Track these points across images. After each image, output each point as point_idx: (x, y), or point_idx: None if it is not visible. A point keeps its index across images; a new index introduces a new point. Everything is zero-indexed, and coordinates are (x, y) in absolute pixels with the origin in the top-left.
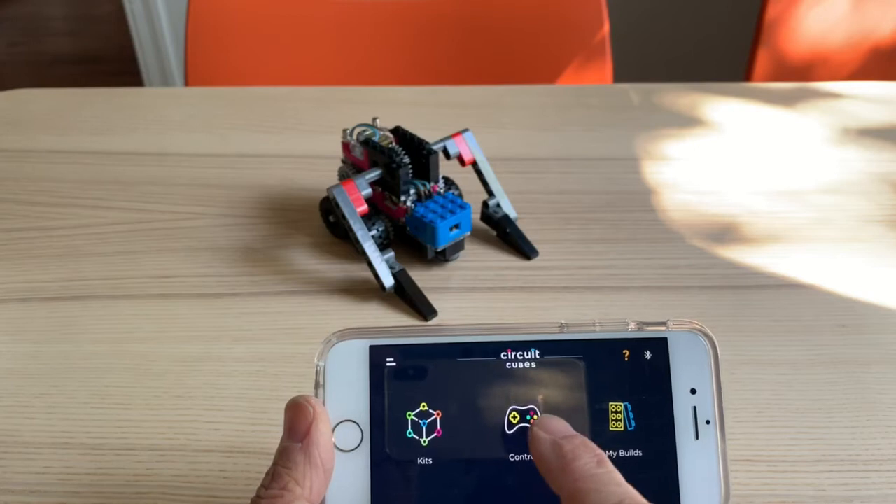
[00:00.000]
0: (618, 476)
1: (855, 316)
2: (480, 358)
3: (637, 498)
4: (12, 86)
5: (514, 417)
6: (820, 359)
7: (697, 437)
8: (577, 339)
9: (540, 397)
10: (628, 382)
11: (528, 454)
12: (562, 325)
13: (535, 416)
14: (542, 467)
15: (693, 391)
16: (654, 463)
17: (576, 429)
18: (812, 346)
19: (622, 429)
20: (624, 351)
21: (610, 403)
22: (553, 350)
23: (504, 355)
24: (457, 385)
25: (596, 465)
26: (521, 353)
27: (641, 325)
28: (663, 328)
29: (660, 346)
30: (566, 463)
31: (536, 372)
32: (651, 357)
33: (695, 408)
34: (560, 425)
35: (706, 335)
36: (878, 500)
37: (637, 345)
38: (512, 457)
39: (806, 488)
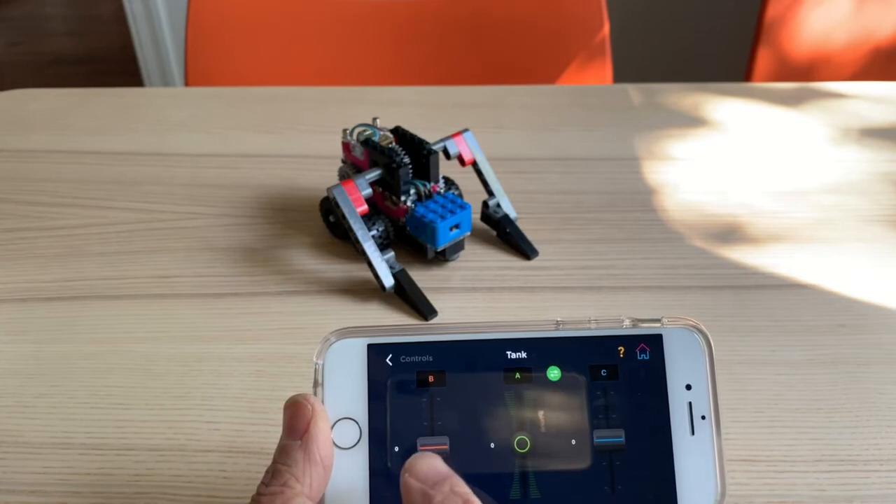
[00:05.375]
0: None
1: (855, 316)
2: (477, 355)
3: None
4: (12, 86)
5: (513, 414)
6: (819, 359)
7: (693, 433)
8: (573, 336)
9: (537, 394)
10: (624, 379)
11: (526, 448)
12: (558, 323)
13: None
14: None
15: (688, 387)
16: (650, 459)
17: (573, 426)
18: (812, 345)
19: (618, 425)
20: (619, 347)
21: (606, 400)
22: (549, 347)
23: (501, 353)
24: (454, 382)
25: None
26: (517, 350)
27: (636, 321)
28: (658, 325)
29: (655, 342)
30: None
31: (533, 369)
32: (646, 353)
33: (690, 403)
34: (430, 469)
35: (700, 331)
36: (878, 500)
37: (632, 341)
38: (510, 450)
39: (806, 488)
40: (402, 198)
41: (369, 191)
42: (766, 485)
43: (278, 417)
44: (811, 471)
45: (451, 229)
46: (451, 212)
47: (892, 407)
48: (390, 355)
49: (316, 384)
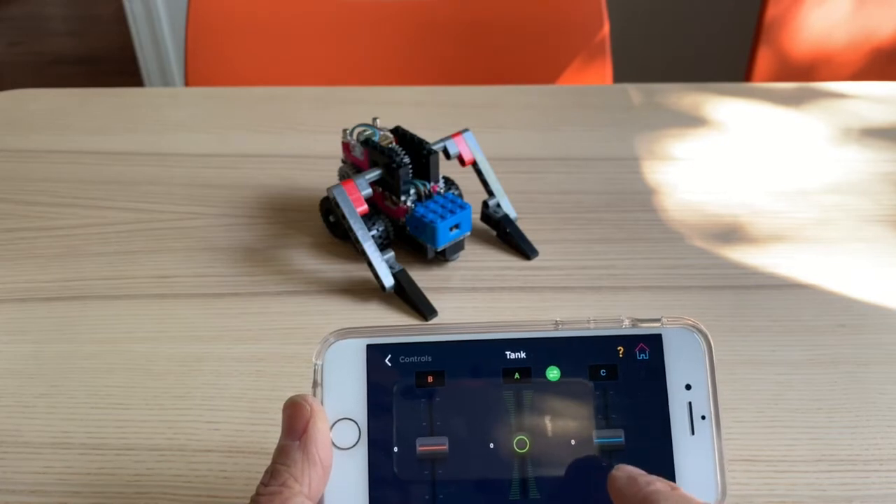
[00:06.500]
0: (695, 500)
1: (855, 316)
2: (477, 356)
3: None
4: (12, 86)
5: (512, 414)
6: (820, 359)
7: (693, 433)
8: (573, 336)
9: (536, 394)
10: (623, 379)
11: (525, 448)
12: (557, 323)
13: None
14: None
15: (688, 387)
16: (650, 459)
17: (573, 426)
18: (812, 345)
19: (618, 425)
20: (618, 347)
21: (606, 399)
22: (549, 347)
23: (500, 353)
24: (454, 383)
25: (671, 489)
26: (517, 350)
27: (636, 321)
28: (657, 325)
29: (654, 342)
30: (639, 488)
31: (532, 369)
32: (646, 353)
33: (690, 403)
34: (636, 470)
35: (700, 331)
36: (878, 500)
37: (631, 341)
38: (509, 450)
39: (806, 488)
40: (402, 198)
41: (369, 191)
42: (766, 485)
43: (278, 417)
44: (811, 471)
45: (451, 229)
46: (451, 212)
47: (892, 407)
48: (389, 356)
49: (315, 385)
